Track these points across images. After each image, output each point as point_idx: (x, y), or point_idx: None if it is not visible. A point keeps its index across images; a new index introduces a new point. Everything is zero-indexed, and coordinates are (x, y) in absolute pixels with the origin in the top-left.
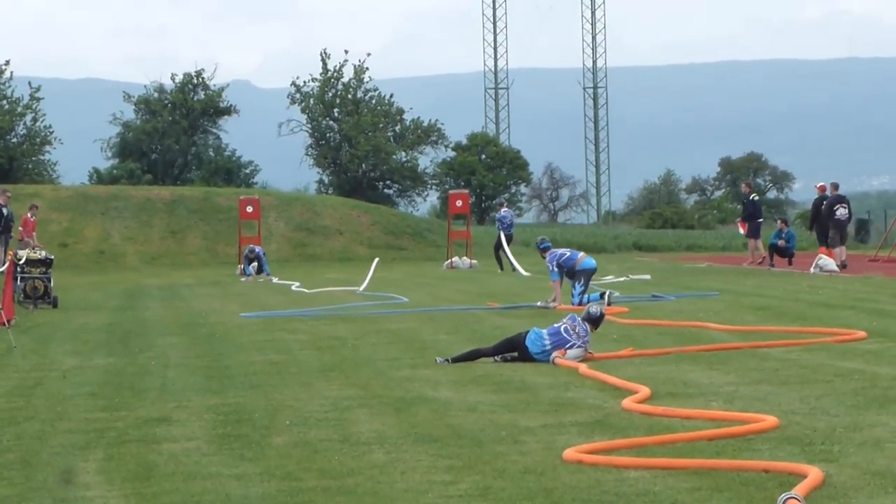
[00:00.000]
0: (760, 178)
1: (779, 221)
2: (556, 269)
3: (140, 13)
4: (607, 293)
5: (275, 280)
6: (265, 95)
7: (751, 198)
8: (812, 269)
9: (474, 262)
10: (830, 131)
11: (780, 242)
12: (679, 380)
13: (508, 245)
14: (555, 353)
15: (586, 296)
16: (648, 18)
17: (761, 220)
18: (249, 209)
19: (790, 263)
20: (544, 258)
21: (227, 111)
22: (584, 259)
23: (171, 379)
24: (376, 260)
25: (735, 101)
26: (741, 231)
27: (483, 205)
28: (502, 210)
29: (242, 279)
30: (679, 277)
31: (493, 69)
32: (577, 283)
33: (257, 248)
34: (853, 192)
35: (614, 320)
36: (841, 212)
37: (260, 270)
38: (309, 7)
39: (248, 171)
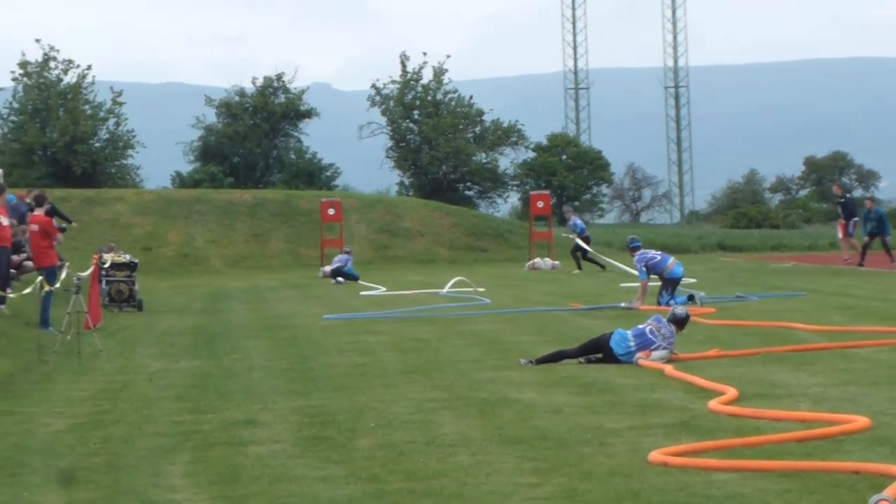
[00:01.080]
0: (846, 178)
1: (867, 201)
2: (644, 270)
3: (221, 18)
4: (696, 295)
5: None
6: (345, 98)
7: (844, 198)
8: None
9: (556, 263)
10: None
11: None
12: (766, 381)
13: (589, 245)
14: (639, 355)
15: (672, 300)
16: (730, 17)
17: (856, 218)
18: (331, 212)
19: (890, 256)
20: (633, 257)
21: (308, 114)
22: (674, 266)
23: (255, 381)
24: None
25: (819, 99)
26: (839, 235)
27: (564, 206)
28: (571, 217)
29: (332, 282)
30: (765, 277)
31: (572, 69)
32: (664, 290)
33: (343, 259)
34: None
35: (700, 321)
36: None
37: (349, 277)
38: (388, 10)
39: (329, 173)
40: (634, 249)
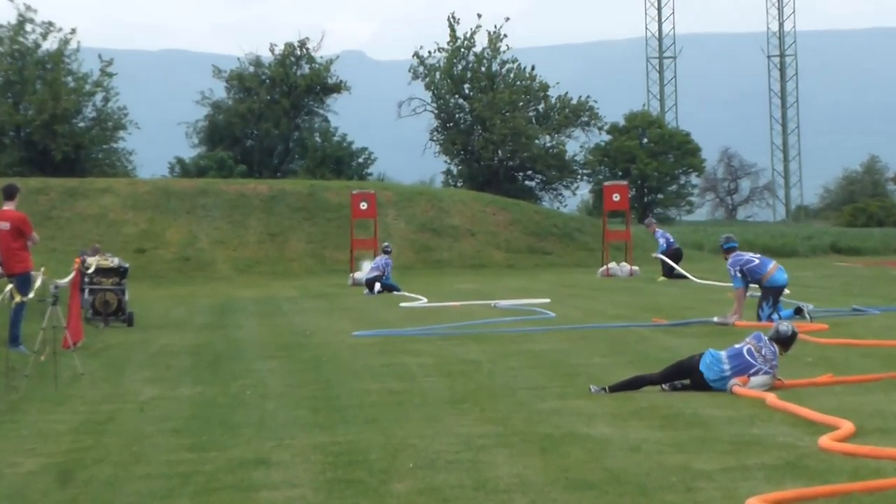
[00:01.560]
0: None
1: None
2: (738, 276)
3: None
4: (805, 307)
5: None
6: (382, 69)
7: None
8: None
9: (635, 268)
10: None
11: None
12: (889, 412)
13: (678, 263)
14: (733, 381)
15: (776, 314)
16: None
17: None
18: (364, 206)
19: None
20: (727, 260)
21: (337, 88)
22: (775, 272)
23: (270, 412)
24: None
25: None
26: None
27: (646, 199)
28: (655, 230)
29: (365, 292)
30: (887, 286)
31: (656, 34)
32: (764, 302)
33: (381, 264)
34: None
35: (809, 339)
36: None
37: (390, 289)
38: None
39: (361, 160)
40: (729, 251)
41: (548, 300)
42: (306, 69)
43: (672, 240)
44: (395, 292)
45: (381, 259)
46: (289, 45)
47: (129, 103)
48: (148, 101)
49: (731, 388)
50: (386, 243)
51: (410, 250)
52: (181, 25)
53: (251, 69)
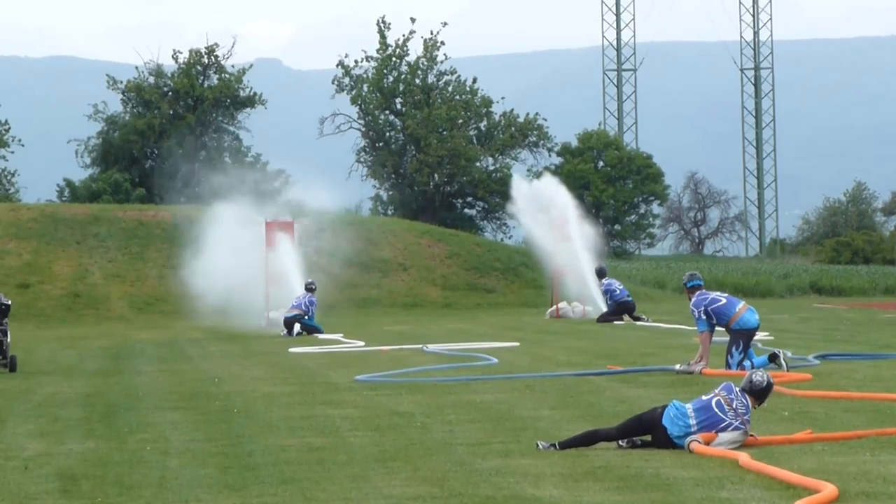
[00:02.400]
0: None
1: None
2: (703, 318)
3: None
4: (781, 353)
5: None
6: (302, 80)
7: None
8: None
9: (588, 308)
10: None
11: None
12: (876, 474)
13: (631, 314)
14: (693, 436)
15: (748, 361)
16: None
17: None
18: (280, 236)
19: None
20: (690, 300)
21: (251, 101)
22: (744, 313)
23: (172, 471)
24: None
25: None
26: None
27: (603, 229)
28: (603, 281)
29: (282, 334)
30: (874, 332)
31: (614, 43)
32: (733, 347)
33: (303, 302)
34: None
35: (784, 391)
36: None
37: (311, 331)
38: None
39: (277, 183)
40: (693, 290)
41: (516, 343)
42: (215, 80)
43: (619, 293)
44: (318, 335)
45: (303, 296)
46: (195, 53)
47: (12, 117)
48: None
49: (688, 446)
50: (310, 280)
51: (334, 287)
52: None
53: (151, 79)
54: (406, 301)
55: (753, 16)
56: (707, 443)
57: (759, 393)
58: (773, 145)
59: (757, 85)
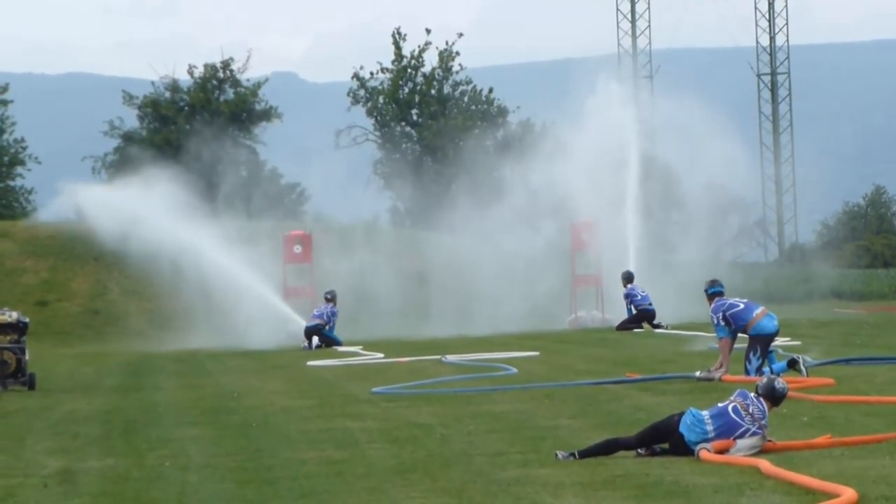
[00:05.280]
0: None
1: None
2: (722, 324)
3: None
4: (800, 359)
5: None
6: (317, 93)
7: None
8: None
9: (607, 316)
10: None
11: None
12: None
13: (651, 323)
14: (702, 445)
15: (767, 367)
16: None
17: None
18: (297, 249)
19: None
20: (710, 306)
21: (267, 115)
22: (762, 318)
23: (191, 486)
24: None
25: None
26: None
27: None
28: (627, 286)
29: (302, 346)
30: (895, 336)
31: (630, 50)
32: (751, 353)
33: (324, 312)
34: None
35: (804, 397)
36: None
37: (329, 343)
38: None
39: (294, 196)
40: (713, 296)
41: (536, 353)
42: (230, 94)
43: (640, 298)
44: (337, 347)
45: (324, 307)
46: (210, 67)
47: (29, 135)
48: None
49: (697, 453)
50: (329, 290)
51: (353, 298)
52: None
53: (167, 94)
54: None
55: (769, 20)
56: (724, 450)
57: (775, 396)
58: (791, 151)
59: (774, 90)
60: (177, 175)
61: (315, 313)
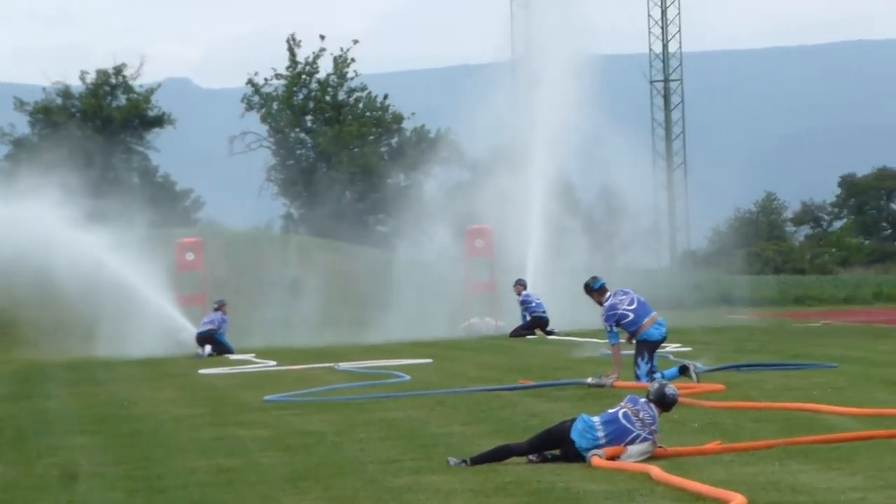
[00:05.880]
0: None
1: None
2: (615, 331)
3: None
4: (691, 365)
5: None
6: (211, 98)
7: None
8: None
9: (500, 323)
10: None
11: None
12: (785, 484)
13: (544, 330)
14: (594, 451)
15: (658, 373)
16: None
17: None
18: (190, 257)
19: None
20: (601, 304)
21: (159, 121)
22: (650, 327)
23: (81, 495)
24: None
25: (862, 95)
26: None
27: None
28: (522, 293)
29: (195, 353)
30: (785, 342)
31: (525, 56)
32: (639, 358)
33: (215, 319)
34: None
35: (695, 403)
36: None
37: (221, 350)
38: None
39: (186, 203)
40: (602, 291)
41: (430, 360)
42: (123, 100)
43: (535, 305)
44: (229, 355)
45: (215, 316)
46: (102, 73)
47: None
48: None
49: (589, 460)
50: (218, 299)
51: (246, 307)
52: None
53: (59, 100)
54: (320, 319)
55: (662, 28)
56: (616, 456)
57: (665, 402)
58: (683, 157)
59: (667, 97)
60: (67, 182)
61: (205, 320)
